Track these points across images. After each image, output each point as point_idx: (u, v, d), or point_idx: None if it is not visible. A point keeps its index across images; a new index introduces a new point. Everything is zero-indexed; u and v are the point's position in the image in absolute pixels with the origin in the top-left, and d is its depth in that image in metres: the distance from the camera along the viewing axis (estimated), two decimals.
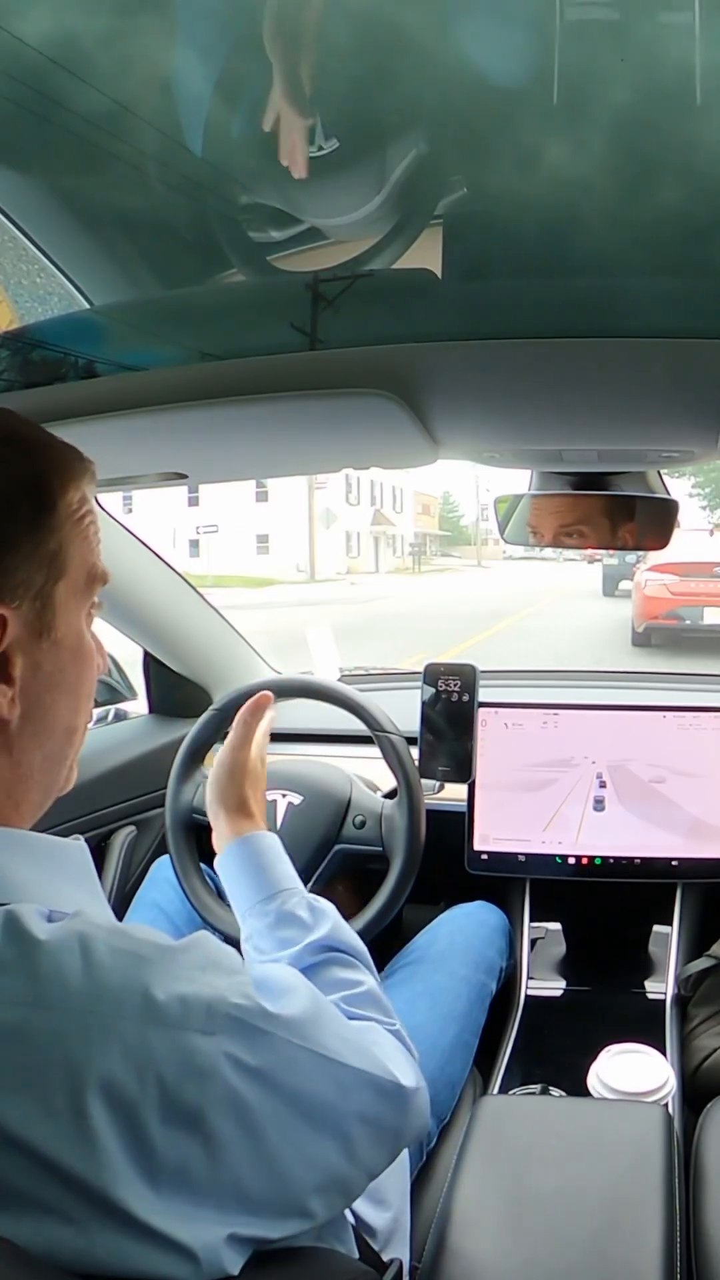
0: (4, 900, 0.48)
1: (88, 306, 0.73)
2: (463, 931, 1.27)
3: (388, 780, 1.27)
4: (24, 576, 0.52)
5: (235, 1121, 0.48)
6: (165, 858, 1.36)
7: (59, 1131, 0.43)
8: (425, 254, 0.61)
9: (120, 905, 1.42)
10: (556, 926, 1.44)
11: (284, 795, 1.26)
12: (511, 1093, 1.10)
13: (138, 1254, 0.44)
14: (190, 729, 1.33)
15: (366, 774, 1.36)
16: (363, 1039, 0.61)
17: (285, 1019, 0.53)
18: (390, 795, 1.27)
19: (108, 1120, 0.44)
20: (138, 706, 1.70)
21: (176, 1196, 0.45)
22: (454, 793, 1.37)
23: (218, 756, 0.95)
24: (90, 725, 1.81)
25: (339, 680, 1.60)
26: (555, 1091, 1.07)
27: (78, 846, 0.55)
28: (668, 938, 1.36)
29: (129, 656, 1.68)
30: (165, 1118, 0.45)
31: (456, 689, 1.36)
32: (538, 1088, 1.08)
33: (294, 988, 0.57)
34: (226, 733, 1.33)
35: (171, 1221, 0.45)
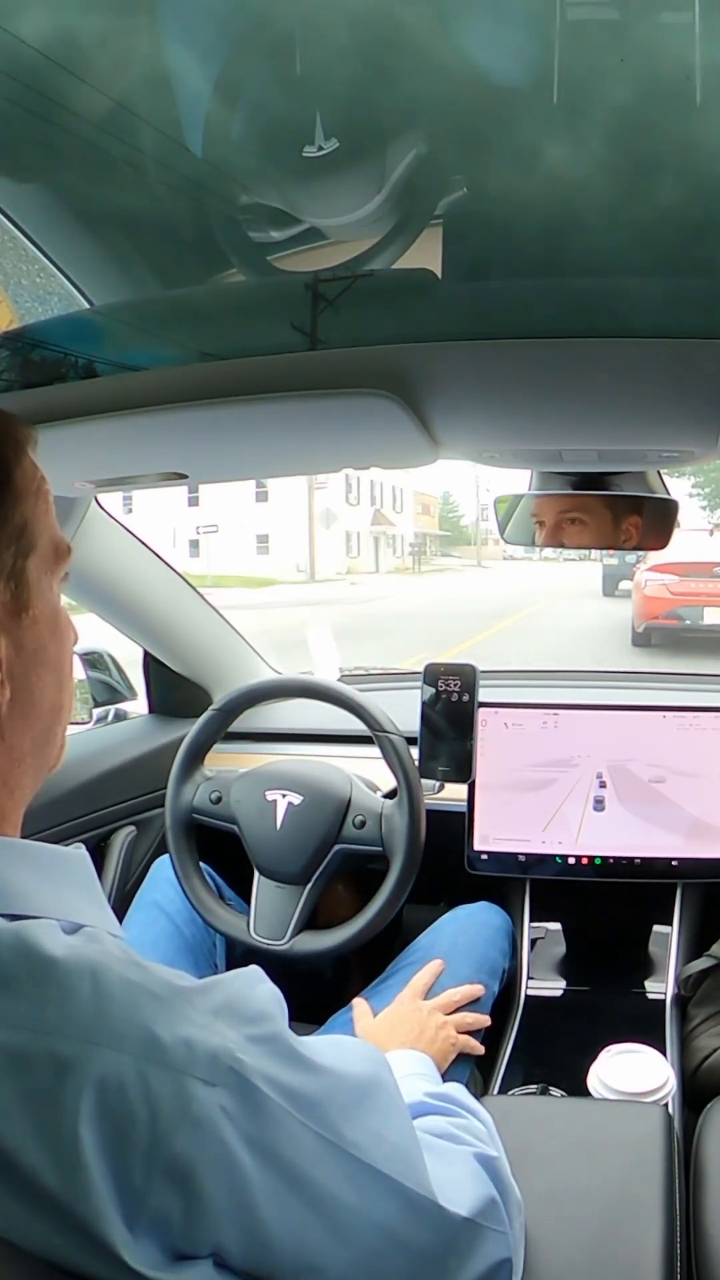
0: (13, 912, 0.47)
1: (88, 306, 0.73)
2: (466, 932, 1.27)
3: (388, 780, 1.27)
4: None
5: (226, 1186, 0.45)
6: (165, 858, 1.36)
7: (51, 1159, 0.42)
8: (425, 254, 0.61)
9: (120, 905, 1.42)
10: (556, 926, 1.44)
11: (284, 795, 1.26)
12: (511, 1093, 1.10)
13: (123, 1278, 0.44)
14: (190, 729, 1.34)
15: (366, 774, 1.36)
16: (413, 1147, 0.54)
17: (295, 1090, 0.49)
18: (390, 795, 1.27)
19: (97, 1154, 0.43)
20: (138, 706, 1.70)
21: (151, 1245, 0.44)
22: (454, 793, 1.37)
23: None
24: (90, 725, 1.80)
25: (339, 680, 1.60)
26: (555, 1091, 1.07)
27: (79, 855, 0.54)
28: (668, 938, 1.36)
29: (129, 656, 1.69)
30: (151, 1162, 0.44)
31: (456, 689, 1.36)
32: (537, 1088, 1.08)
33: (347, 1061, 0.53)
34: (226, 732, 1.34)
35: (149, 1267, 0.44)
